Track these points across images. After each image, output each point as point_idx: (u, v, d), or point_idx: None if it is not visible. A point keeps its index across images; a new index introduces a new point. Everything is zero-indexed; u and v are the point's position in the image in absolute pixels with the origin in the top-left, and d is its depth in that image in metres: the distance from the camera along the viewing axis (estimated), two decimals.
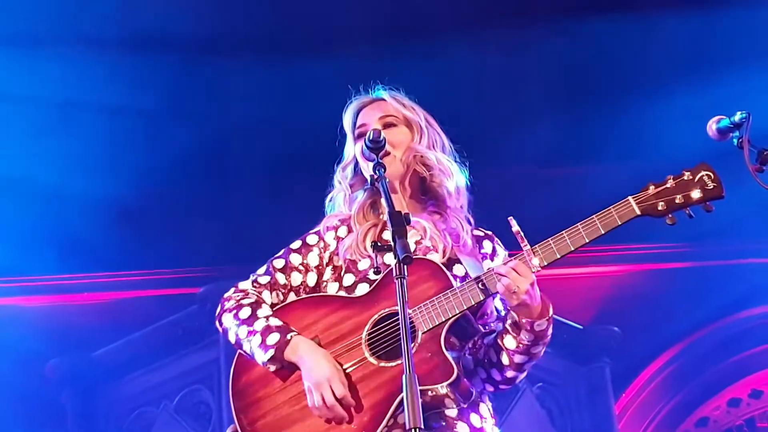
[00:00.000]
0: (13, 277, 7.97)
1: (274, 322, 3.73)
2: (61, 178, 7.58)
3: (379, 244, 3.56)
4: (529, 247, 3.60)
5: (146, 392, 7.42)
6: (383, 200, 3.63)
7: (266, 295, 3.86)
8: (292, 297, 3.87)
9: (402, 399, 3.16)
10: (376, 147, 3.70)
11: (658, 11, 7.66)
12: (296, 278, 3.89)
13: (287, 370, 3.70)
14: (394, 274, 3.27)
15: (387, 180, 3.65)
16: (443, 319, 3.60)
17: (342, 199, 4.01)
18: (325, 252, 3.90)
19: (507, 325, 3.67)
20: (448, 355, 3.56)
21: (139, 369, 7.43)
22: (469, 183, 4.03)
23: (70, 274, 8.00)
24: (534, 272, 3.58)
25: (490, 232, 4.00)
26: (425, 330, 3.59)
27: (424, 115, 4.02)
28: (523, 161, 7.96)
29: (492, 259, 3.91)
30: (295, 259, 3.91)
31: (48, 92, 7.49)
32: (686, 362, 8.62)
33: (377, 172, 3.66)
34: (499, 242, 3.98)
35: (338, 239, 3.91)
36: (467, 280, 3.66)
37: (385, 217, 3.80)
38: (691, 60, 7.75)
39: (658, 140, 7.51)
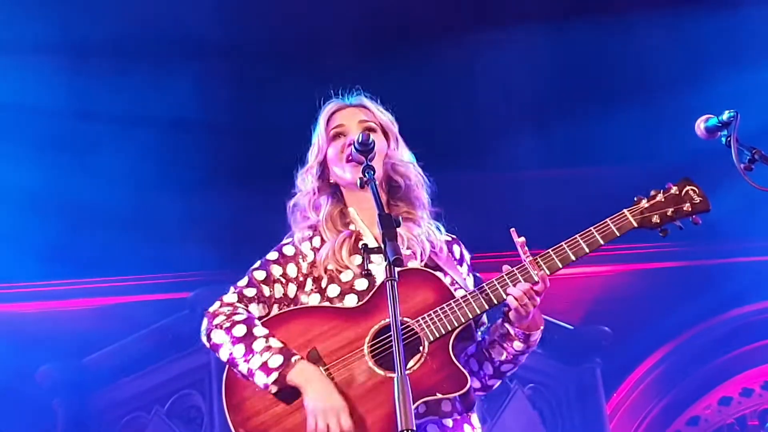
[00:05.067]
0: (2, 284, 7.95)
1: (275, 343, 3.65)
2: (50, 184, 7.57)
3: (368, 245, 3.59)
4: (531, 258, 3.64)
5: (137, 397, 7.40)
6: (349, 206, 3.79)
7: (254, 308, 3.80)
8: (275, 309, 3.82)
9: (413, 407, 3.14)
10: (365, 149, 3.70)
11: (649, 14, 7.69)
12: (278, 290, 3.85)
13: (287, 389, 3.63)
14: (385, 276, 3.26)
15: (376, 182, 3.65)
16: (450, 329, 3.60)
17: (308, 203, 3.97)
18: (303, 262, 3.86)
19: (496, 337, 3.71)
20: (459, 365, 3.57)
21: (130, 374, 7.41)
22: (429, 192, 4.02)
23: (61, 280, 7.99)
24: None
25: (454, 236, 4.03)
26: (432, 339, 3.59)
27: (393, 122, 4.04)
28: (510, 165, 7.97)
29: (461, 264, 3.94)
30: (276, 270, 3.86)
31: (34, 100, 7.50)
32: (677, 361, 8.63)
33: (366, 174, 3.64)
34: (463, 246, 4.01)
35: (314, 249, 3.87)
36: (472, 290, 3.68)
37: (354, 226, 3.86)
38: (680, 62, 7.78)
39: (649, 142, 7.53)
